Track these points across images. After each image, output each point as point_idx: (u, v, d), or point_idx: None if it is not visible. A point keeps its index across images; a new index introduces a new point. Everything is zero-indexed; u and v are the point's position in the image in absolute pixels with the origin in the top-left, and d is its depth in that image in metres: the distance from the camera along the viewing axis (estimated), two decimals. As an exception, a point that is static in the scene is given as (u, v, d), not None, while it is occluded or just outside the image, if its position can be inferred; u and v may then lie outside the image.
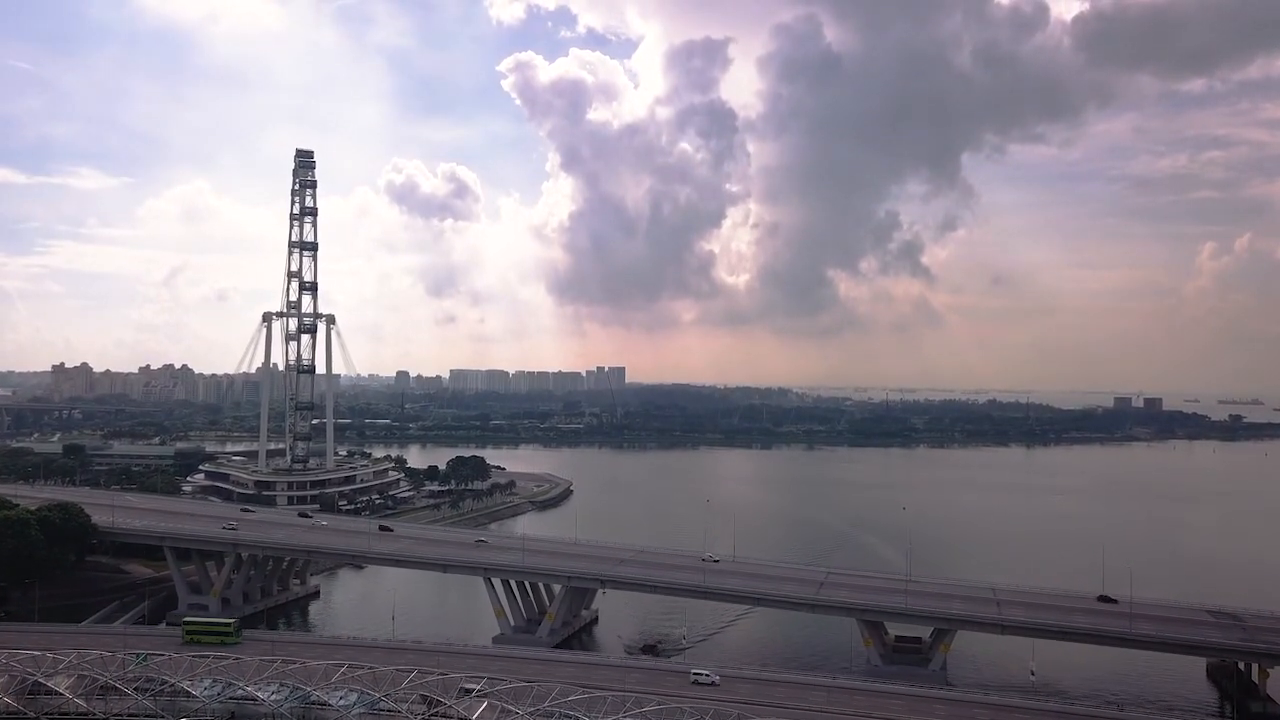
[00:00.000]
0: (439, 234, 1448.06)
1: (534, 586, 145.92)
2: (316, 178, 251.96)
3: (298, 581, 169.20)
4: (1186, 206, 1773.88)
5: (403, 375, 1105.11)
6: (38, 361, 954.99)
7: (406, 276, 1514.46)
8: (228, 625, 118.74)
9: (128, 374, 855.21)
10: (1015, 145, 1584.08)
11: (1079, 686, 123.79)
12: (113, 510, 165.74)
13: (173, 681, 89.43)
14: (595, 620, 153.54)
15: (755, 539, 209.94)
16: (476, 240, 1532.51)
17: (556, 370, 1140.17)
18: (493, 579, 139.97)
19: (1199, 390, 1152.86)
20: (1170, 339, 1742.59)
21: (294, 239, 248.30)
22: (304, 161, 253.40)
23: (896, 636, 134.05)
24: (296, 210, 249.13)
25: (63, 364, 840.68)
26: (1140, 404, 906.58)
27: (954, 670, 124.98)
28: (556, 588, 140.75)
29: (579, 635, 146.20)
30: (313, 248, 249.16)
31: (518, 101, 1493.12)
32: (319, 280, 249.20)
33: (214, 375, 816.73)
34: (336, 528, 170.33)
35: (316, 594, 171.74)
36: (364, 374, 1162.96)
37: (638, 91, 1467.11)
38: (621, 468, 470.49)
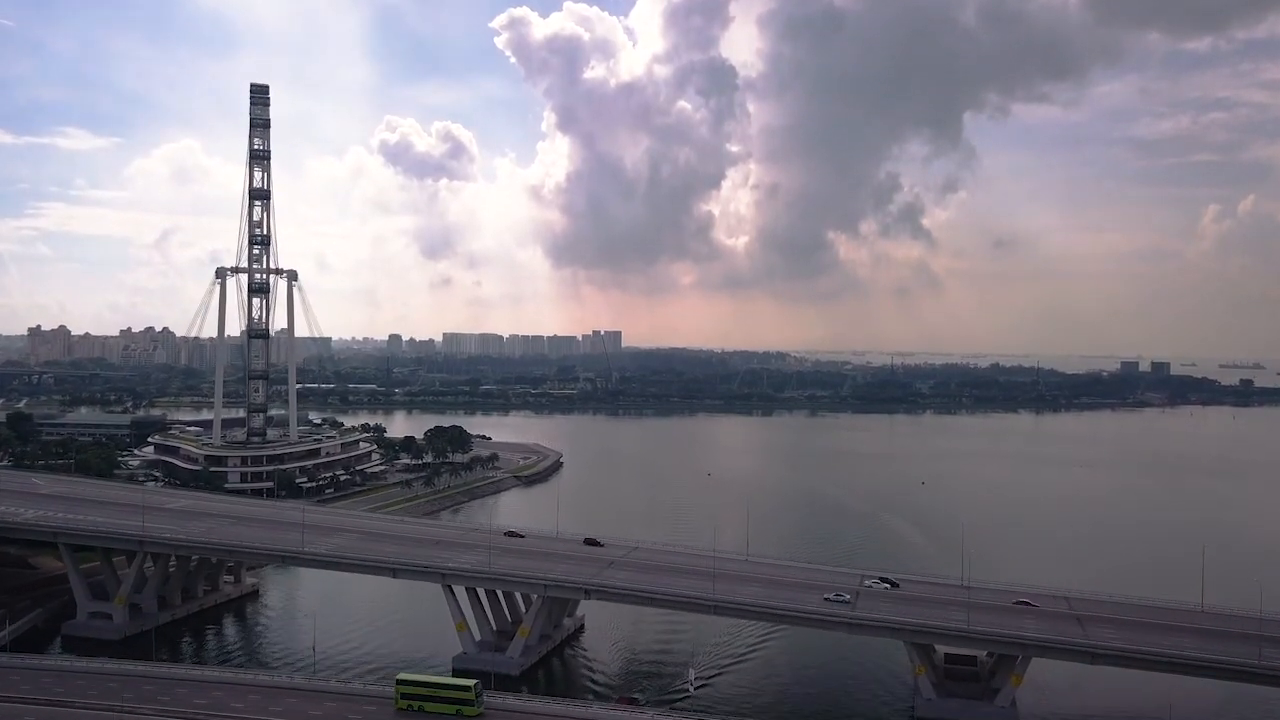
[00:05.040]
0: (434, 195, 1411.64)
1: (506, 594, 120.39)
2: (272, 116, 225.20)
3: (230, 579, 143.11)
4: (1189, 169, 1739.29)
5: (395, 339, 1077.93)
6: (27, 325, 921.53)
7: (401, 238, 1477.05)
8: (467, 689, 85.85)
9: (107, 337, 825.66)
10: (1019, 105, 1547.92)
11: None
12: (1, 497, 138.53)
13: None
14: (581, 629, 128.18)
15: (766, 525, 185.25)
16: (472, 201, 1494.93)
17: (552, 334, 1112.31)
18: (453, 586, 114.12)
19: (1197, 355, 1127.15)
20: (1171, 303, 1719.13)
21: (251, 186, 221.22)
22: (258, 98, 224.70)
23: (946, 655, 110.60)
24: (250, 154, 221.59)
25: (39, 326, 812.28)
26: (1147, 368, 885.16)
27: (1024, 703, 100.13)
28: (533, 596, 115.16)
29: (559, 651, 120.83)
30: (265, 195, 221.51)
31: (512, 59, 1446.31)
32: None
33: (196, 339, 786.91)
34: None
35: (255, 594, 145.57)
36: (357, 337, 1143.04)
37: (635, 49, 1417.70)
38: (616, 437, 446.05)
